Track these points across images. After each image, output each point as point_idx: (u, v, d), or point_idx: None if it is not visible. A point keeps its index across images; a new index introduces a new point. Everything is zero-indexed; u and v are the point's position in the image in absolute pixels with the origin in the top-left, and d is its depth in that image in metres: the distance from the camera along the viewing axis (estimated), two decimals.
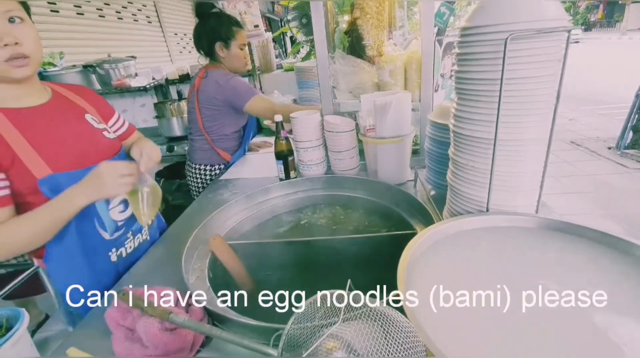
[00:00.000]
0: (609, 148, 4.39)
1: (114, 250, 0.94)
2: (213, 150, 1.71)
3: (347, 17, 1.65)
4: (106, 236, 0.91)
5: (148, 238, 1.08)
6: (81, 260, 0.88)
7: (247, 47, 1.69)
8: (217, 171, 1.76)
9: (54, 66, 2.30)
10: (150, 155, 0.90)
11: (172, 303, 0.68)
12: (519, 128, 0.64)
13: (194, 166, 1.76)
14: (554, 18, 0.59)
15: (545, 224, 0.66)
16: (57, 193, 0.78)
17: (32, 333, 1.97)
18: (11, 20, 0.73)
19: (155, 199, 0.91)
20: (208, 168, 1.75)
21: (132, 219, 0.99)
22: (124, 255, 0.97)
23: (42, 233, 0.78)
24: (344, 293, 0.49)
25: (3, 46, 0.71)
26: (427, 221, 0.90)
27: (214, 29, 1.55)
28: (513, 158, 0.66)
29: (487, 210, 0.71)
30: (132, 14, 4.04)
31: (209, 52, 1.62)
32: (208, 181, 1.75)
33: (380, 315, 0.48)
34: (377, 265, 0.89)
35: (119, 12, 3.82)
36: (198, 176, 1.76)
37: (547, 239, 0.63)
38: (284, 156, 1.29)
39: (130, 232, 0.99)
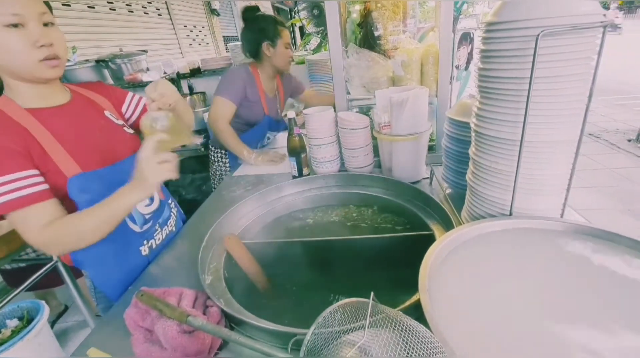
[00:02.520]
0: (629, 140, 4.25)
1: (145, 242, 0.98)
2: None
3: (358, 7, 1.61)
4: (136, 228, 0.94)
5: (174, 229, 1.10)
6: (116, 255, 0.91)
7: (290, 46, 1.70)
8: (223, 163, 1.82)
9: (67, 60, 2.32)
10: (163, 91, 0.80)
11: (189, 304, 0.69)
12: (548, 129, 0.61)
13: (214, 150, 1.82)
14: (589, 13, 0.56)
15: (574, 229, 0.63)
16: (85, 192, 0.81)
17: (53, 323, 2.05)
18: (45, 24, 0.76)
19: (177, 134, 0.81)
20: (220, 153, 1.81)
21: (158, 212, 1.02)
22: (154, 246, 1.01)
23: (102, 227, 0.79)
24: (366, 301, 0.48)
25: (39, 47, 0.74)
26: (445, 221, 0.88)
27: (263, 29, 1.58)
28: (539, 160, 0.64)
29: (510, 214, 0.68)
30: (143, 7, 4.04)
31: (255, 53, 1.63)
32: (226, 168, 1.82)
33: (402, 325, 0.46)
34: (394, 266, 0.88)
35: (130, 5, 3.82)
36: (217, 161, 1.80)
37: (576, 245, 0.61)
38: (297, 153, 1.27)
39: (157, 224, 1.02)
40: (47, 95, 0.83)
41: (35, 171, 0.75)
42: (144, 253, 0.98)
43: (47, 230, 0.75)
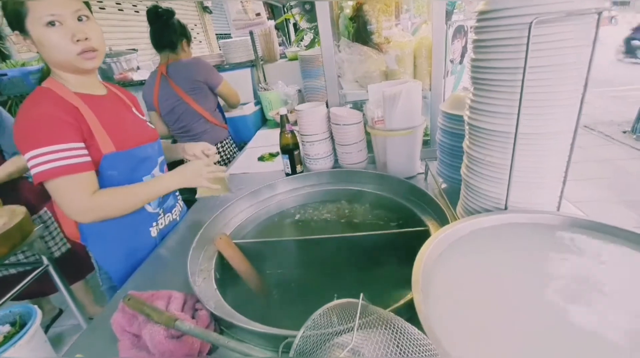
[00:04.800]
0: (624, 132, 4.26)
1: (154, 223, 1.05)
2: (215, 126, 1.90)
3: (351, 2, 1.58)
4: (149, 208, 1.03)
5: (177, 218, 1.17)
6: (122, 233, 0.98)
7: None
8: (228, 146, 1.95)
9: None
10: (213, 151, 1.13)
11: (178, 308, 0.67)
12: (543, 120, 0.59)
13: None
14: None
15: (570, 222, 0.62)
16: (113, 169, 0.92)
17: (47, 328, 2.02)
18: (79, 19, 0.84)
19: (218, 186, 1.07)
20: (219, 145, 1.91)
21: (165, 197, 1.11)
22: (157, 230, 1.07)
23: (134, 204, 0.94)
24: (356, 302, 0.46)
25: (76, 41, 0.83)
26: (440, 216, 0.86)
27: (183, 27, 1.80)
28: (535, 152, 0.62)
29: (506, 208, 0.67)
30: (133, 5, 3.98)
31: (175, 46, 1.79)
32: (227, 158, 1.94)
33: (394, 327, 0.45)
34: (388, 264, 0.86)
35: (119, 4, 3.76)
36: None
37: (573, 239, 0.59)
38: (290, 150, 1.25)
39: (162, 209, 1.09)
40: (89, 85, 0.94)
41: (83, 144, 0.86)
42: (153, 235, 1.04)
43: (94, 197, 0.85)
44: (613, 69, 6.98)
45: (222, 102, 2.05)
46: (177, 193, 1.22)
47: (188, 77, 1.77)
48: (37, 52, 0.87)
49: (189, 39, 1.83)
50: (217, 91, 1.87)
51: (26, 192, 1.61)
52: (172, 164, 1.13)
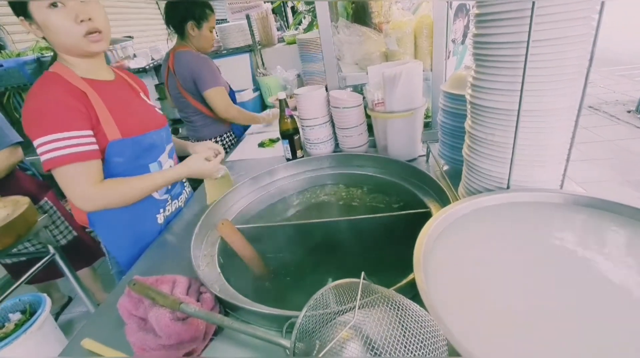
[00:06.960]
0: (629, 112, 4.19)
1: (161, 210, 1.06)
2: (216, 120, 1.80)
3: None
4: (156, 195, 1.04)
5: (183, 205, 1.18)
6: (131, 219, 1.00)
7: (215, 30, 1.78)
8: (228, 140, 1.89)
9: (51, 50, 2.25)
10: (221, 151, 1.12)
11: (183, 292, 0.67)
12: (546, 97, 0.58)
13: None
14: None
15: (573, 200, 0.61)
16: (119, 156, 0.92)
17: (57, 315, 2.06)
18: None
19: (224, 186, 1.11)
20: (219, 139, 1.85)
21: (173, 184, 1.12)
22: (165, 217, 1.08)
23: (136, 195, 0.94)
24: (358, 281, 0.46)
25: (80, 22, 0.82)
26: (442, 198, 0.86)
27: (188, 8, 1.60)
28: (538, 130, 0.61)
29: (508, 187, 0.66)
30: None
31: (179, 30, 1.66)
32: (226, 152, 1.87)
33: (396, 304, 0.45)
34: (390, 246, 0.86)
35: None
36: None
37: (576, 217, 0.59)
38: (290, 135, 1.24)
39: (169, 196, 1.10)
40: (96, 70, 0.95)
41: (92, 132, 0.87)
42: (159, 221, 1.05)
43: (98, 186, 0.87)
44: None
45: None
46: (185, 180, 1.23)
47: (183, 72, 1.68)
48: (43, 38, 0.87)
49: (197, 21, 1.62)
50: (203, 95, 1.69)
51: (25, 183, 1.62)
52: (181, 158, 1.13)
